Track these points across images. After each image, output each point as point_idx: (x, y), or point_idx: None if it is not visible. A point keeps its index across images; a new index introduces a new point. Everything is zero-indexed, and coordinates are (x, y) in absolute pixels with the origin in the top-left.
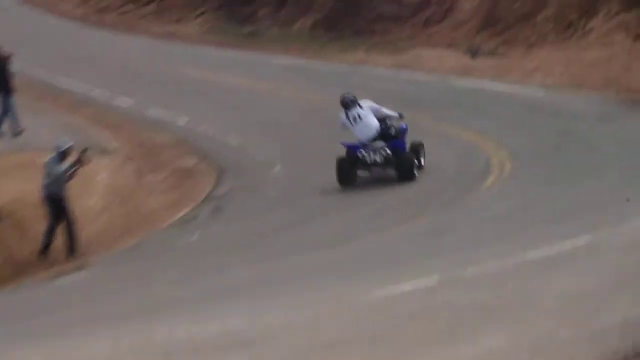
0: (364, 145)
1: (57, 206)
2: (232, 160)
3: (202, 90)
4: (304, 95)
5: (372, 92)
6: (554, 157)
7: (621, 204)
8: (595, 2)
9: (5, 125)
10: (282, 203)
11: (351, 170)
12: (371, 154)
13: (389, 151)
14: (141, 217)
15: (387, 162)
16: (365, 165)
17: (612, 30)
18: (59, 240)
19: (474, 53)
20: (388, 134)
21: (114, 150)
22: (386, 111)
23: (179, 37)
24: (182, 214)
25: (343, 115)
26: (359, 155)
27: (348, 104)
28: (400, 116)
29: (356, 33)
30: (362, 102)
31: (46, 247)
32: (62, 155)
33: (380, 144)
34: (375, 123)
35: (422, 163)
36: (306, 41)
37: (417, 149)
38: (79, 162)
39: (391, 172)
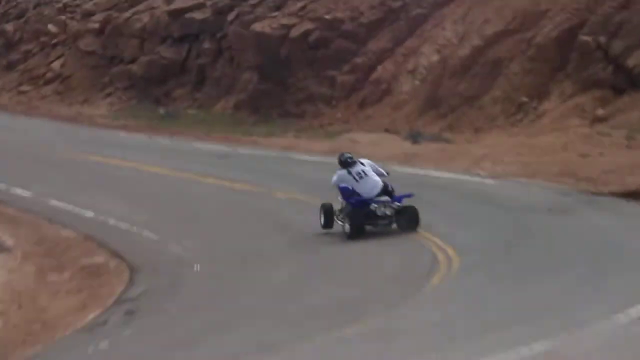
0: (372, 200)
1: None
2: (147, 258)
3: (112, 179)
4: (227, 185)
5: (302, 181)
6: (506, 254)
7: (580, 305)
8: (547, 83)
9: None
10: (203, 305)
11: (363, 223)
12: (381, 207)
13: (397, 204)
14: (43, 322)
15: (396, 215)
16: (375, 218)
17: (567, 114)
18: None
19: (415, 138)
20: (387, 189)
21: (10, 247)
22: (381, 169)
23: (85, 119)
24: (90, 318)
25: (343, 173)
26: (372, 208)
27: (349, 162)
28: (388, 174)
29: (284, 115)
30: (362, 160)
31: None
32: None
33: (385, 198)
34: (378, 179)
35: None
36: (229, 124)
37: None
38: None
39: (394, 225)
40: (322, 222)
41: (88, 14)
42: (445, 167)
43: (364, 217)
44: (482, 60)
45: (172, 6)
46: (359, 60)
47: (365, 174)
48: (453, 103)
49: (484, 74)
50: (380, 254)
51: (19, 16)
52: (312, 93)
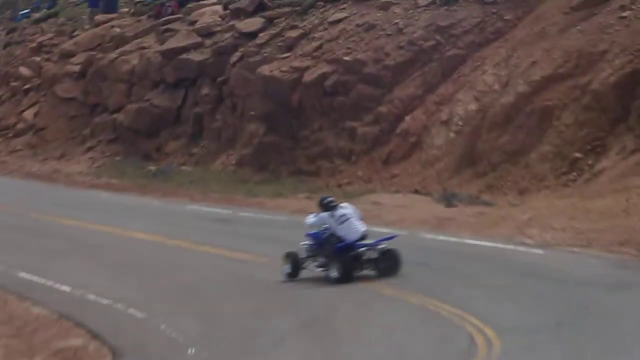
0: (356, 244)
1: None
2: (132, 340)
3: (93, 247)
4: (227, 254)
5: None
6: (556, 336)
7: None
8: (604, 137)
9: None
10: None
11: (352, 268)
12: (368, 251)
13: (382, 247)
14: None
15: (380, 258)
16: (361, 262)
17: (628, 173)
18: None
19: (449, 200)
20: (365, 234)
21: None
22: (360, 215)
23: (62, 177)
24: None
25: (325, 215)
26: (360, 252)
27: (330, 205)
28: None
29: (295, 173)
30: (343, 204)
31: None
32: None
33: (369, 241)
34: (360, 224)
35: None
36: (230, 183)
37: None
38: None
39: (375, 270)
40: (288, 271)
41: (67, 55)
42: (484, 235)
43: (354, 261)
44: (529, 110)
45: (166, 46)
46: (383, 109)
47: (348, 217)
48: (494, 159)
49: (531, 125)
50: (406, 336)
51: None
52: (328, 147)
